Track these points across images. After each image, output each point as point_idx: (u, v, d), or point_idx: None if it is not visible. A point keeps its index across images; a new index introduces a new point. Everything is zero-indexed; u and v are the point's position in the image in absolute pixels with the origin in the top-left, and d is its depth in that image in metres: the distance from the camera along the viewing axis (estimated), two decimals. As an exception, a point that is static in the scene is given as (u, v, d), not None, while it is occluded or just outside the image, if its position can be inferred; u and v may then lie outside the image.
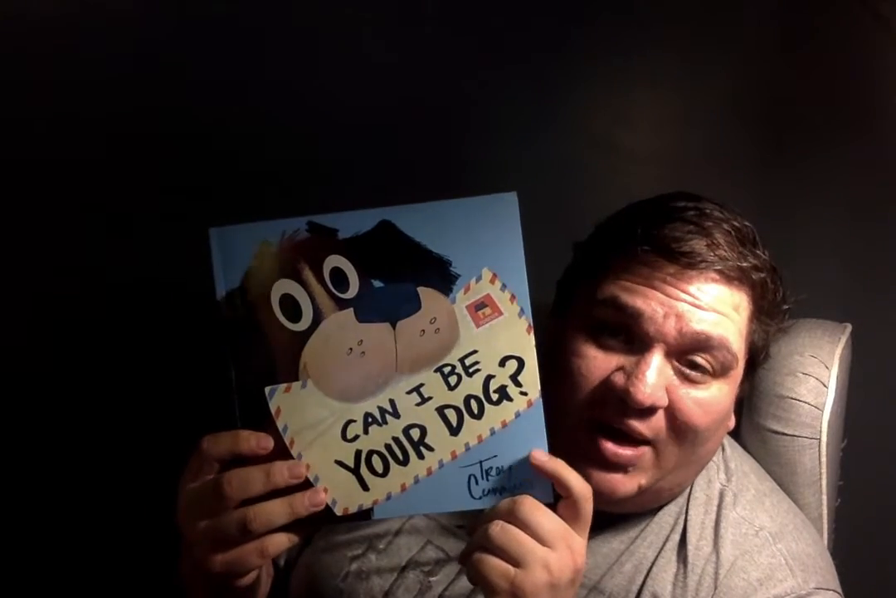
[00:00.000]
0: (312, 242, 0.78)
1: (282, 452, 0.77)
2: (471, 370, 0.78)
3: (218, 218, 0.80)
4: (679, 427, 0.89)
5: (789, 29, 1.32)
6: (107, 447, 1.30)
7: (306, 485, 0.76)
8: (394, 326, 0.78)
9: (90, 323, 1.29)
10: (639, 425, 0.88)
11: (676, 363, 0.89)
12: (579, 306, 0.94)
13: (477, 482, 0.78)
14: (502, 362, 0.78)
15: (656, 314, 0.88)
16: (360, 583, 0.97)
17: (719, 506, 0.98)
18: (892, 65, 1.28)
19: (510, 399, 0.78)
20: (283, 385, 0.78)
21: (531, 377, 0.78)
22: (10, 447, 1.29)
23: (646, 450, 0.90)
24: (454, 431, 0.78)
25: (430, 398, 0.78)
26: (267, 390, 0.78)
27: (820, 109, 1.32)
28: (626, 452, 0.89)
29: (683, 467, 0.94)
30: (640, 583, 0.94)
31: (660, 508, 0.98)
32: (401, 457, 0.78)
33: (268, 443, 0.76)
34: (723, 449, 1.03)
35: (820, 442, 1.07)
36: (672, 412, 0.89)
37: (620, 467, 0.90)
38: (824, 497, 1.09)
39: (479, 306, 0.78)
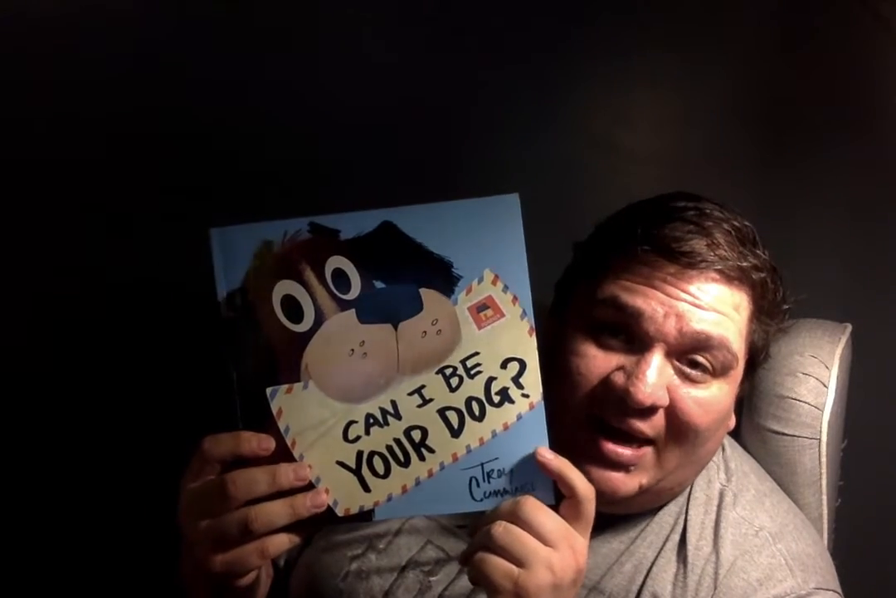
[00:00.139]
0: (314, 242, 0.78)
1: (283, 453, 0.77)
2: (472, 372, 0.78)
3: (219, 218, 0.80)
4: (680, 427, 0.90)
5: (789, 29, 1.32)
6: (108, 448, 1.30)
7: (308, 486, 0.76)
8: (395, 327, 0.78)
9: (90, 323, 1.28)
10: (640, 425, 0.89)
11: (677, 363, 0.90)
12: (579, 305, 0.94)
13: (478, 484, 0.78)
14: (504, 364, 0.78)
15: (656, 314, 0.88)
16: (360, 583, 0.98)
17: (719, 506, 0.98)
18: (892, 65, 1.28)
19: (512, 401, 0.78)
20: (285, 386, 0.78)
21: (533, 379, 0.78)
22: (11, 447, 1.29)
23: (647, 450, 0.90)
24: (455, 433, 0.78)
25: (431, 400, 0.78)
26: (268, 390, 0.78)
27: (820, 109, 1.32)
28: (626, 451, 0.89)
29: (684, 467, 0.94)
30: (640, 583, 0.94)
31: (659, 508, 0.98)
32: (402, 458, 0.78)
33: (269, 444, 0.76)
34: (723, 449, 1.03)
35: (820, 442, 1.07)
36: (673, 412, 0.89)
37: (622, 466, 0.90)
38: (824, 497, 1.09)
39: (481, 308, 0.78)
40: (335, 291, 0.78)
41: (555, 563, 0.75)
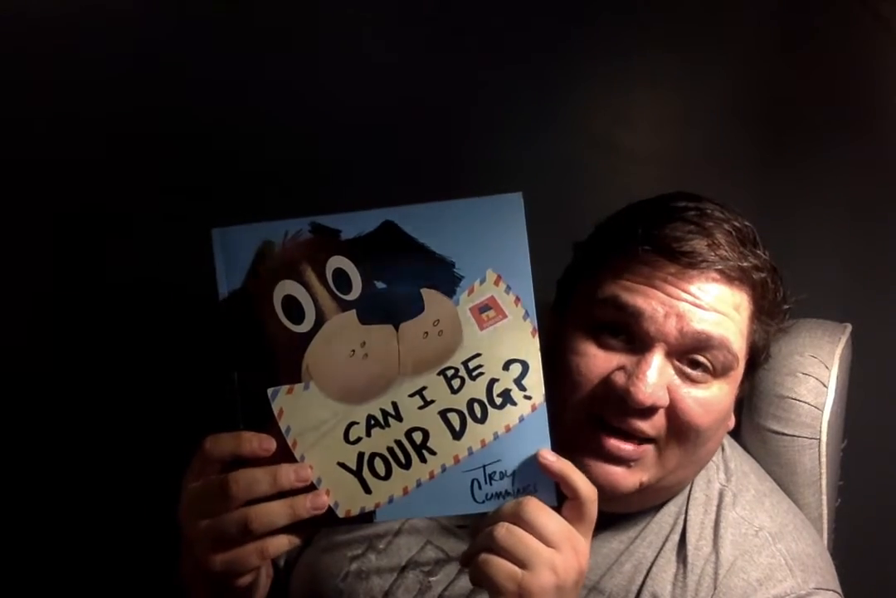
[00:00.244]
0: (315, 242, 0.78)
1: (284, 453, 0.77)
2: (474, 374, 0.78)
3: (219, 219, 0.80)
4: (680, 427, 0.90)
5: (789, 29, 1.32)
6: (109, 448, 1.30)
7: (309, 487, 0.76)
8: (396, 328, 0.77)
9: (91, 323, 1.29)
10: (640, 424, 0.89)
11: (677, 363, 0.90)
12: (579, 305, 0.94)
13: (480, 487, 0.78)
14: (506, 366, 0.78)
15: (657, 314, 0.88)
16: (359, 583, 0.97)
17: (719, 506, 0.98)
18: (892, 65, 1.28)
19: (514, 403, 0.78)
20: (286, 386, 0.78)
21: (535, 381, 0.78)
22: (11, 447, 1.29)
23: (649, 448, 0.90)
24: (457, 435, 0.78)
25: (432, 402, 0.78)
26: (269, 391, 0.78)
27: (820, 109, 1.32)
28: (628, 447, 0.89)
29: (684, 467, 0.94)
30: (640, 583, 0.94)
31: (659, 508, 0.98)
32: (403, 460, 0.78)
33: (270, 444, 0.76)
34: (722, 449, 1.03)
35: (820, 442, 1.07)
36: (673, 412, 0.89)
37: (623, 460, 0.90)
38: (824, 497, 1.09)
39: (483, 309, 0.78)
40: (336, 291, 0.78)
41: (558, 564, 0.75)
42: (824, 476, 1.08)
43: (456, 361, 0.77)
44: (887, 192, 1.32)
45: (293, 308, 0.78)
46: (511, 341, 0.78)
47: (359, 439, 0.78)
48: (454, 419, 0.78)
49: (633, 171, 1.36)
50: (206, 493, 0.75)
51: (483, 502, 0.78)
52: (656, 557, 0.96)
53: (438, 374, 0.78)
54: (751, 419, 1.10)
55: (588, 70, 1.34)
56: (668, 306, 0.88)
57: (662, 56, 1.32)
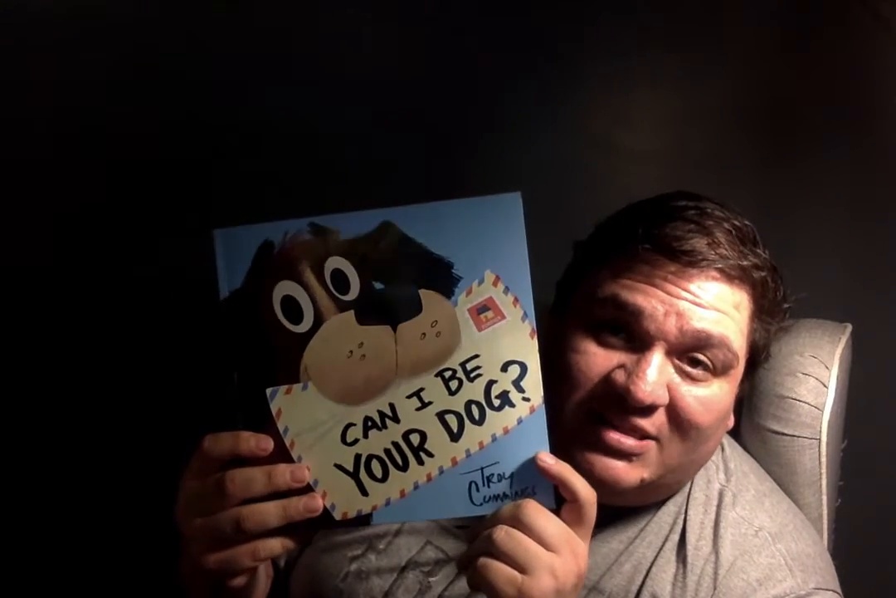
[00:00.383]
0: (314, 243, 0.78)
1: (282, 453, 0.77)
2: (472, 375, 0.77)
3: (219, 219, 0.80)
4: (681, 425, 0.89)
5: (789, 29, 1.32)
6: (109, 447, 1.31)
7: (306, 488, 0.76)
8: (394, 328, 0.77)
9: (91, 323, 1.29)
10: (641, 422, 0.88)
11: (677, 361, 0.89)
12: (580, 304, 0.94)
13: (478, 489, 0.77)
14: (504, 367, 0.77)
15: (657, 312, 0.88)
16: (359, 583, 0.97)
17: (718, 506, 0.98)
18: (892, 65, 1.28)
19: (512, 405, 0.77)
20: (284, 387, 0.78)
21: (534, 383, 0.77)
22: (12, 447, 1.29)
23: (651, 444, 0.90)
24: (455, 437, 0.77)
25: (430, 403, 0.77)
26: (268, 391, 0.78)
27: (820, 109, 1.32)
28: (629, 441, 0.89)
29: (685, 465, 0.94)
30: (640, 583, 0.94)
31: (659, 507, 0.98)
32: (400, 462, 0.77)
33: (267, 444, 0.76)
34: (722, 449, 1.03)
35: (820, 442, 1.07)
36: (673, 410, 0.89)
37: (624, 454, 0.89)
38: (824, 498, 1.09)
39: (482, 310, 0.77)
40: (334, 291, 0.77)
41: (557, 568, 0.74)
42: (824, 476, 1.08)
43: (454, 362, 0.77)
44: (887, 192, 1.32)
45: (292, 308, 0.78)
46: (509, 343, 0.77)
47: (356, 441, 0.77)
48: (452, 421, 0.77)
49: (633, 171, 1.36)
50: (202, 491, 0.75)
51: (481, 504, 0.78)
52: (656, 557, 0.95)
53: (436, 375, 0.77)
54: (751, 419, 1.10)
55: (588, 70, 1.34)
56: (668, 305, 0.88)
57: (662, 56, 1.32)
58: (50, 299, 1.27)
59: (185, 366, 1.27)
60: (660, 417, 0.89)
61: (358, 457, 0.77)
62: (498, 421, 0.77)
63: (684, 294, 0.88)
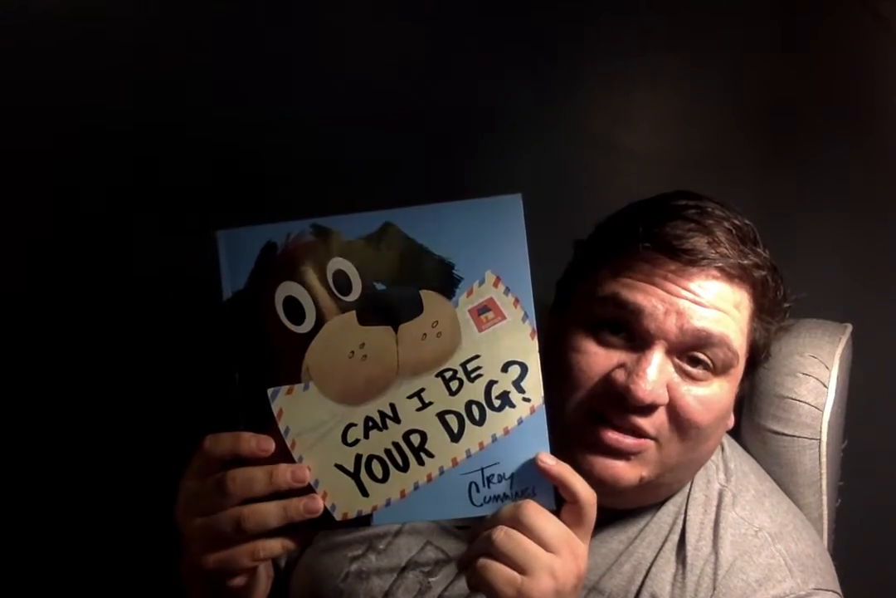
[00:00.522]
0: (316, 244, 0.78)
1: (283, 454, 0.77)
2: (473, 376, 0.77)
3: (222, 220, 0.80)
4: (681, 424, 0.89)
5: (789, 29, 1.32)
6: (109, 447, 1.31)
7: (307, 489, 0.76)
8: (396, 329, 0.77)
9: (92, 323, 1.29)
10: (640, 422, 0.88)
11: (677, 360, 0.90)
12: (580, 303, 0.94)
13: (478, 489, 0.77)
14: (505, 368, 0.77)
15: (657, 311, 0.88)
16: (359, 583, 0.97)
17: (718, 506, 0.98)
18: (892, 65, 1.28)
19: (513, 405, 0.77)
20: (286, 387, 0.78)
21: (534, 383, 0.77)
22: (12, 447, 1.29)
23: (650, 443, 0.90)
24: (455, 437, 0.77)
25: (430, 403, 0.77)
26: (269, 391, 0.78)
27: (820, 109, 1.32)
28: (628, 440, 0.89)
29: (684, 464, 0.94)
30: (639, 583, 0.94)
31: (658, 508, 0.98)
32: (401, 463, 0.77)
33: (268, 445, 0.76)
34: (722, 449, 1.03)
35: (820, 442, 1.07)
36: (673, 409, 0.89)
37: (623, 454, 0.89)
38: (824, 498, 1.09)
39: (482, 310, 0.77)
40: (336, 292, 0.78)
41: (557, 569, 0.74)
42: (824, 477, 1.08)
43: (454, 362, 0.77)
44: (887, 192, 1.32)
45: (294, 309, 0.78)
46: (510, 343, 0.77)
47: (357, 441, 0.77)
48: (452, 422, 0.77)
49: (633, 171, 1.36)
50: (203, 491, 0.75)
51: (481, 505, 0.78)
52: (655, 557, 0.95)
53: (437, 375, 0.77)
54: (751, 419, 1.10)
55: (588, 70, 1.34)
56: (668, 304, 0.88)
57: (662, 56, 1.32)
58: (51, 299, 1.27)
59: (187, 366, 1.27)
60: (660, 416, 0.89)
61: (358, 457, 0.78)
62: (498, 421, 0.78)
63: (684, 293, 0.89)
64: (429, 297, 0.78)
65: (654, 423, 0.89)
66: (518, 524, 0.75)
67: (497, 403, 0.77)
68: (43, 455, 1.30)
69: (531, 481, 0.77)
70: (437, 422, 0.77)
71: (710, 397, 0.90)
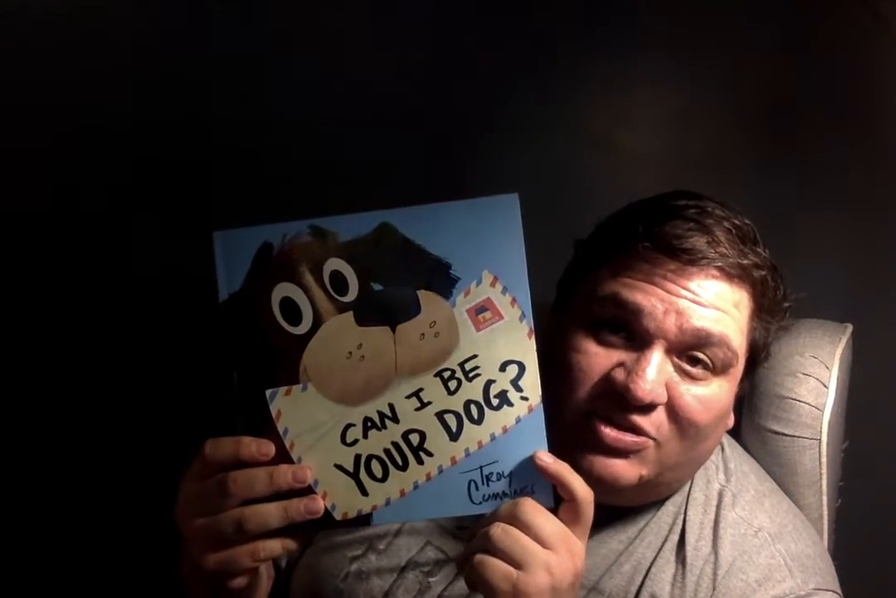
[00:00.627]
0: (313, 245, 0.78)
1: (283, 454, 0.77)
2: (471, 375, 0.77)
3: (218, 220, 0.80)
4: (680, 423, 0.89)
5: (789, 29, 1.32)
6: (109, 449, 1.31)
7: (307, 489, 0.76)
8: (393, 329, 0.77)
9: (90, 324, 1.29)
10: (640, 421, 0.88)
11: (677, 360, 0.89)
12: (580, 303, 0.94)
13: (477, 488, 0.78)
14: (503, 367, 0.78)
15: (656, 310, 0.88)
16: (359, 583, 0.97)
17: (718, 506, 0.98)
18: (892, 65, 1.28)
19: (511, 404, 0.78)
20: (284, 388, 0.78)
21: (532, 382, 0.78)
22: (12, 448, 1.29)
23: (649, 441, 0.90)
24: (454, 436, 0.78)
25: (429, 403, 0.77)
26: (267, 393, 0.78)
27: (820, 109, 1.32)
28: (627, 438, 0.89)
29: (683, 463, 0.94)
30: (639, 583, 0.94)
31: (658, 508, 0.98)
32: (400, 462, 0.78)
33: (269, 449, 0.76)
34: (722, 449, 1.03)
35: (820, 443, 1.07)
36: (672, 409, 0.89)
37: (622, 452, 0.89)
38: (825, 498, 1.09)
39: (480, 310, 0.77)
40: (333, 293, 0.78)
41: (553, 565, 0.74)
42: (825, 477, 1.08)
43: (452, 362, 0.77)
44: (887, 192, 1.32)
45: (291, 310, 0.78)
46: (508, 343, 0.78)
47: (356, 441, 0.78)
48: (451, 421, 0.78)
49: (633, 171, 1.36)
50: (203, 492, 0.75)
51: (480, 503, 0.78)
52: (655, 557, 0.95)
53: (435, 375, 0.77)
54: (751, 420, 1.09)
55: (588, 70, 1.34)
56: (667, 303, 0.88)
57: (662, 56, 1.32)
58: (50, 299, 1.27)
59: (185, 367, 1.27)
60: (659, 415, 0.89)
61: (358, 457, 0.78)
62: (496, 420, 0.78)
63: (684, 292, 0.89)
64: (426, 297, 0.78)
65: (653, 422, 0.89)
66: (515, 520, 0.75)
67: (495, 402, 0.78)
68: (41, 456, 1.30)
69: (530, 480, 0.78)
70: (436, 421, 0.78)
71: (710, 396, 0.90)
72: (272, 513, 0.74)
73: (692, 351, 0.89)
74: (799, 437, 1.07)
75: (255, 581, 0.83)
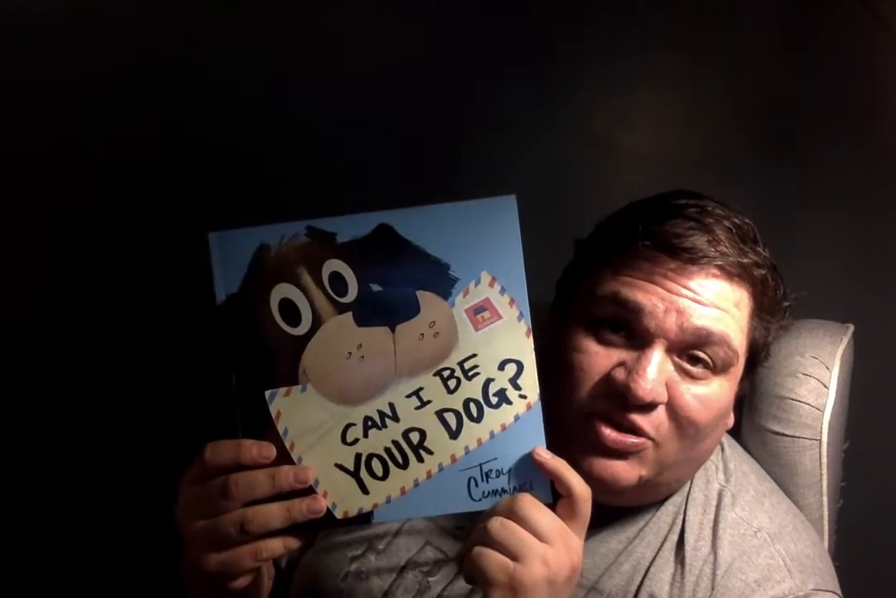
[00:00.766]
0: (311, 246, 0.78)
1: (283, 455, 0.77)
2: (470, 374, 0.78)
3: (217, 221, 0.80)
4: (680, 423, 0.90)
5: (789, 29, 1.32)
6: (109, 450, 1.30)
7: (308, 489, 0.76)
8: (393, 330, 0.78)
9: (89, 325, 1.29)
10: (639, 420, 0.88)
11: (677, 359, 0.90)
12: (580, 302, 0.94)
13: (477, 485, 0.78)
14: (501, 366, 0.78)
15: (657, 309, 0.88)
16: (359, 583, 0.98)
17: (718, 506, 0.98)
18: (892, 65, 1.28)
19: (509, 402, 0.78)
20: (283, 389, 0.78)
21: (530, 380, 0.78)
22: (12, 449, 1.29)
23: (648, 442, 0.90)
24: (454, 434, 0.78)
25: (429, 402, 0.78)
26: (267, 393, 0.78)
27: (820, 109, 1.32)
28: (626, 439, 0.89)
29: (683, 463, 0.94)
30: (638, 583, 0.94)
31: (658, 508, 0.98)
32: (400, 460, 0.78)
33: (270, 452, 0.76)
34: (722, 449, 1.03)
35: (820, 443, 1.07)
36: (672, 408, 0.89)
37: (622, 454, 0.90)
38: (825, 498, 1.08)
39: (478, 310, 0.78)
40: (332, 294, 0.78)
41: (550, 558, 0.75)
42: (825, 477, 1.08)
43: (452, 361, 0.78)
44: (887, 192, 1.32)
45: (290, 311, 0.78)
46: (506, 342, 0.78)
47: (356, 441, 0.78)
48: (451, 419, 0.78)
49: (633, 171, 1.36)
50: (205, 494, 0.75)
51: (480, 500, 0.79)
52: (654, 557, 0.96)
53: (435, 374, 0.78)
54: (751, 420, 1.09)
55: (588, 70, 1.34)
56: (668, 302, 0.88)
57: (662, 56, 1.32)
58: (50, 299, 1.27)
59: (184, 368, 1.27)
60: (659, 415, 0.89)
61: (358, 456, 0.78)
62: (495, 418, 0.78)
63: (684, 291, 0.89)
64: (425, 297, 0.78)
65: (652, 422, 0.89)
66: (513, 515, 0.76)
67: (494, 400, 0.78)
68: (41, 457, 1.30)
69: (528, 476, 0.78)
70: (436, 420, 0.78)
71: (710, 395, 0.90)
72: (275, 514, 0.74)
73: (693, 350, 0.89)
74: (799, 437, 1.07)
75: (255, 582, 0.83)
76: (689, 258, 0.89)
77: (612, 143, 1.36)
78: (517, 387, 0.78)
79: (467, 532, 0.79)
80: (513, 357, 0.78)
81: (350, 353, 0.78)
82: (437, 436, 0.78)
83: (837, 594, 0.96)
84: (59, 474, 1.30)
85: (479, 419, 0.78)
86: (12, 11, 1.20)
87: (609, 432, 0.88)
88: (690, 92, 1.36)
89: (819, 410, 1.07)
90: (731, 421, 0.98)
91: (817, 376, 1.07)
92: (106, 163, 1.26)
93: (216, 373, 0.80)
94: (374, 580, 0.97)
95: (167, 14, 1.24)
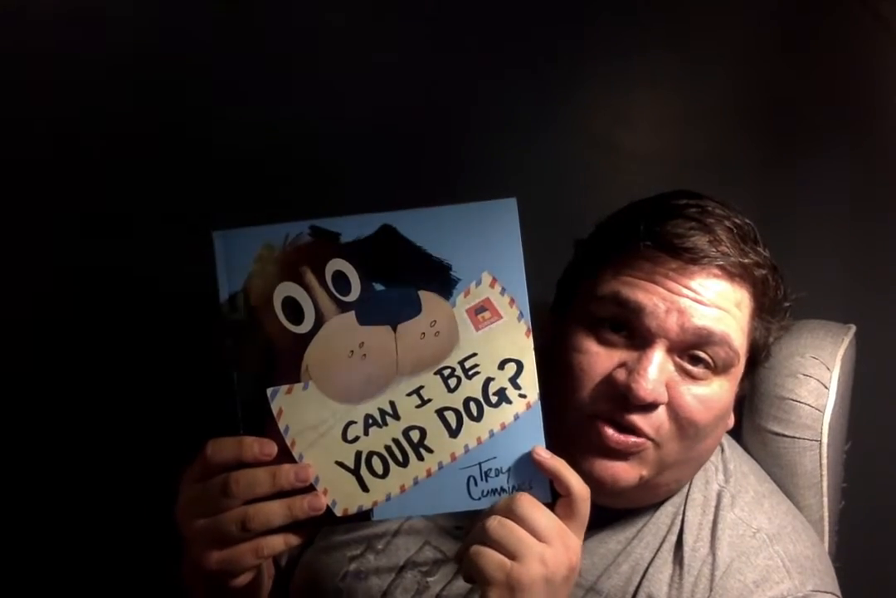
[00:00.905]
0: (315, 245, 0.79)
1: (283, 452, 0.77)
2: (470, 373, 0.78)
3: (219, 220, 0.80)
4: (680, 423, 0.89)
5: (789, 29, 1.32)
6: (109, 449, 1.31)
7: (308, 487, 0.76)
8: (394, 329, 0.78)
9: (91, 324, 1.29)
10: (640, 420, 0.88)
11: (678, 359, 0.90)
12: (580, 302, 0.94)
13: (476, 484, 0.79)
14: (501, 365, 0.79)
15: (658, 309, 0.88)
16: (358, 583, 0.98)
17: (717, 507, 0.98)
18: (892, 65, 1.28)
19: (509, 402, 0.79)
20: (285, 386, 0.78)
21: (530, 380, 0.79)
22: (12, 449, 1.29)
23: (648, 443, 0.90)
24: (453, 433, 0.79)
25: (429, 400, 0.78)
26: (269, 391, 0.78)
27: (820, 109, 1.32)
28: (627, 439, 0.89)
29: (683, 463, 0.94)
30: (637, 584, 0.94)
31: (657, 509, 0.98)
32: (400, 459, 0.78)
33: (271, 449, 0.76)
34: (721, 450, 1.03)
35: (821, 444, 1.07)
36: (673, 408, 0.89)
37: (622, 454, 0.90)
38: (825, 499, 1.08)
39: (479, 310, 0.78)
40: (335, 293, 0.78)
41: (548, 557, 0.75)
42: (825, 478, 1.08)
43: (452, 360, 0.78)
44: (887, 192, 1.32)
45: (293, 309, 0.78)
46: (506, 341, 0.78)
47: (357, 439, 0.78)
48: (451, 418, 0.78)
49: (634, 171, 1.36)
50: (206, 493, 0.75)
51: (479, 498, 0.79)
52: (653, 558, 0.95)
53: (435, 373, 0.78)
54: (751, 421, 1.09)
55: (588, 70, 1.34)
56: (669, 302, 0.88)
57: (662, 56, 1.32)
58: (49, 300, 1.27)
59: (186, 365, 1.27)
60: (659, 415, 0.89)
61: (359, 454, 0.78)
62: (495, 417, 0.79)
63: (685, 291, 0.89)
64: (427, 297, 0.79)
65: (652, 423, 0.89)
66: (511, 514, 0.76)
67: (494, 399, 0.79)
68: (42, 456, 1.30)
69: (528, 475, 0.79)
70: (436, 418, 0.79)
71: (710, 396, 0.90)
72: (276, 511, 0.74)
73: (693, 350, 0.89)
74: (799, 438, 1.07)
75: (256, 580, 0.83)
76: (690, 258, 0.89)
77: (612, 143, 1.37)
78: (517, 386, 0.79)
79: (466, 531, 0.79)
80: (513, 357, 0.79)
81: (352, 351, 0.78)
82: (437, 434, 0.78)
83: (836, 596, 0.96)
84: (60, 474, 1.31)
85: (479, 418, 0.79)
86: (12, 12, 1.20)
87: (611, 433, 0.88)
88: (690, 92, 1.37)
89: (819, 411, 1.07)
90: (731, 422, 0.98)
91: (818, 376, 1.07)
92: (106, 163, 1.26)
93: (217, 371, 0.80)
94: (373, 580, 0.97)
95: (167, 14, 1.24)
